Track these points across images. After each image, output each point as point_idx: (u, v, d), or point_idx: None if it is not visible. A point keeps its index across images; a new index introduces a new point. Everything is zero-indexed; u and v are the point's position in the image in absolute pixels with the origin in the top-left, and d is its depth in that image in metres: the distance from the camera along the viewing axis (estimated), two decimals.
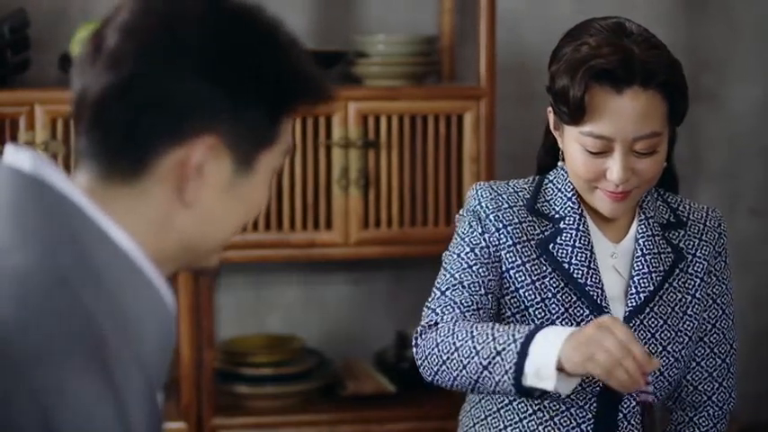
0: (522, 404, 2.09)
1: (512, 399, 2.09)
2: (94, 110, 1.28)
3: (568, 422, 2.07)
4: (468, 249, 2.06)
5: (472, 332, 1.92)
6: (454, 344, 1.94)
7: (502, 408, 2.11)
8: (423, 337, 2.01)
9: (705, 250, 2.13)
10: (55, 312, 1.18)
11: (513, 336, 1.87)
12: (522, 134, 3.45)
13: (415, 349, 2.02)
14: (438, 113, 3.20)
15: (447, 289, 2.04)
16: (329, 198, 3.18)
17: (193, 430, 3.19)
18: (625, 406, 2.09)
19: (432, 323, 2.02)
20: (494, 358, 1.88)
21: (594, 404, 2.07)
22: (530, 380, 1.84)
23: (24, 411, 1.14)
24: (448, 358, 1.95)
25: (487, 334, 1.90)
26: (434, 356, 1.97)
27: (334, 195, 3.17)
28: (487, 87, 3.19)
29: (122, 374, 1.20)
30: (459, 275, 2.04)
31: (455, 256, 2.07)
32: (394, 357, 3.44)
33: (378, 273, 3.57)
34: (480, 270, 2.04)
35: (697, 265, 2.13)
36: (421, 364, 2.01)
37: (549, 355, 1.82)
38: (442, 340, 1.96)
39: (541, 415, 2.08)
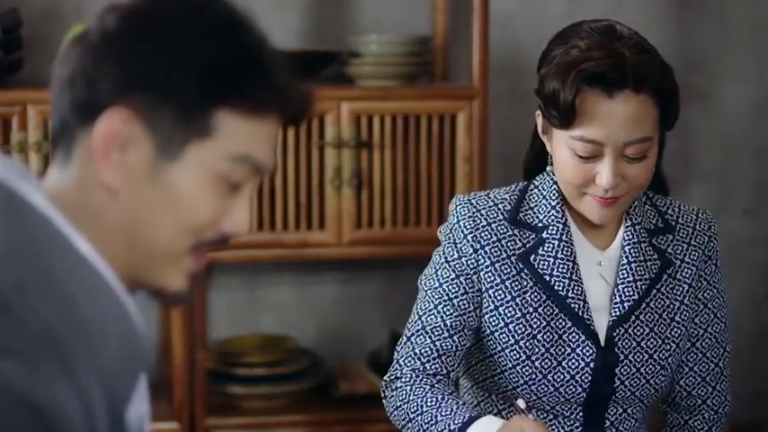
0: (511, 413, 2.09)
1: (500, 408, 2.11)
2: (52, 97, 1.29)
3: (556, 430, 2.07)
4: (437, 284, 2.08)
5: (422, 407, 2.01)
6: (408, 414, 2.03)
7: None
8: (389, 390, 2.10)
9: (694, 255, 2.12)
10: (11, 323, 1.15)
11: (449, 426, 1.95)
12: (515, 134, 3.44)
13: (384, 401, 2.11)
14: (431, 113, 3.20)
15: (412, 335, 2.08)
16: (322, 198, 3.18)
17: (186, 430, 3.18)
18: (612, 413, 2.09)
19: (394, 377, 2.09)
20: None
21: (581, 413, 2.08)
22: None
23: None
24: (405, 425, 2.04)
25: (431, 415, 1.99)
26: (396, 417, 2.07)
27: (326, 195, 3.17)
28: (480, 87, 3.19)
29: (85, 385, 1.17)
30: (425, 318, 2.07)
31: (425, 293, 2.09)
32: (387, 357, 3.43)
33: (371, 273, 3.57)
34: (446, 309, 2.06)
35: (685, 270, 2.11)
36: (390, 416, 2.09)
37: None
38: (400, 406, 2.06)
39: None
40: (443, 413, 1.97)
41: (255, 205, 3.14)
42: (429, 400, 2.01)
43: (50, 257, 1.21)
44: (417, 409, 2.01)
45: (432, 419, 1.98)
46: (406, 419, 2.03)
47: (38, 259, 1.20)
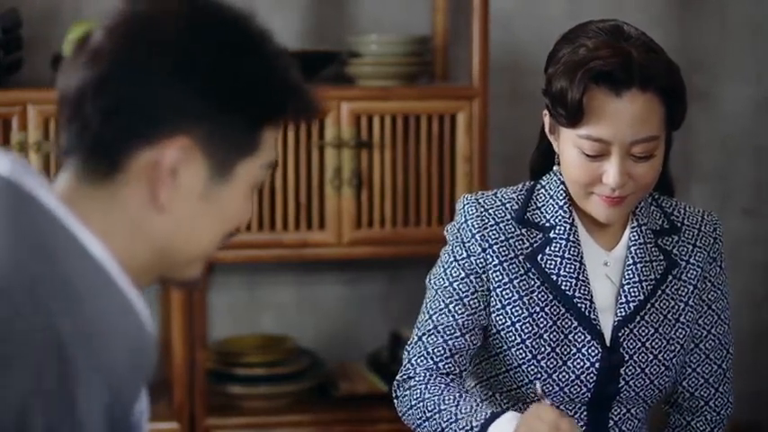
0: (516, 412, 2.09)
1: (505, 407, 2.10)
2: (72, 106, 1.28)
3: None
4: (446, 283, 2.07)
5: (439, 405, 2.01)
6: (424, 413, 2.03)
7: None
8: (401, 390, 2.09)
9: (699, 256, 2.11)
10: (17, 319, 1.17)
11: (471, 423, 1.94)
12: (515, 134, 3.45)
13: (395, 401, 2.10)
14: (431, 113, 3.20)
15: (423, 334, 2.08)
16: (322, 198, 3.18)
17: (186, 430, 3.18)
18: (615, 413, 2.09)
19: (406, 377, 2.09)
20: None
21: (585, 413, 2.08)
22: None
23: None
24: (421, 424, 2.04)
25: (450, 413, 1.99)
26: (410, 416, 2.07)
27: (326, 195, 3.17)
28: (480, 87, 3.19)
29: (81, 387, 1.19)
30: (436, 318, 2.07)
31: (434, 292, 2.09)
32: (387, 358, 3.44)
33: (371, 273, 3.57)
34: (457, 308, 2.06)
35: (690, 271, 2.11)
36: (403, 415, 2.09)
37: None
38: (414, 404, 2.05)
39: None
40: (463, 411, 1.96)
41: (256, 205, 3.14)
42: (447, 398, 2.00)
43: (60, 256, 1.22)
44: (435, 408, 2.00)
45: (452, 417, 1.97)
46: (423, 418, 2.02)
47: (49, 259, 1.22)
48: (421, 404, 2.03)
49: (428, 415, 2.01)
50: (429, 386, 2.04)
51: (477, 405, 1.96)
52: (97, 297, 1.23)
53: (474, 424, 1.93)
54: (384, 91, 3.19)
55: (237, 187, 1.31)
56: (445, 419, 1.98)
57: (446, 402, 2.00)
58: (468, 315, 2.05)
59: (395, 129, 3.19)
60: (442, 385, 2.03)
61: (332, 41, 3.39)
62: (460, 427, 1.95)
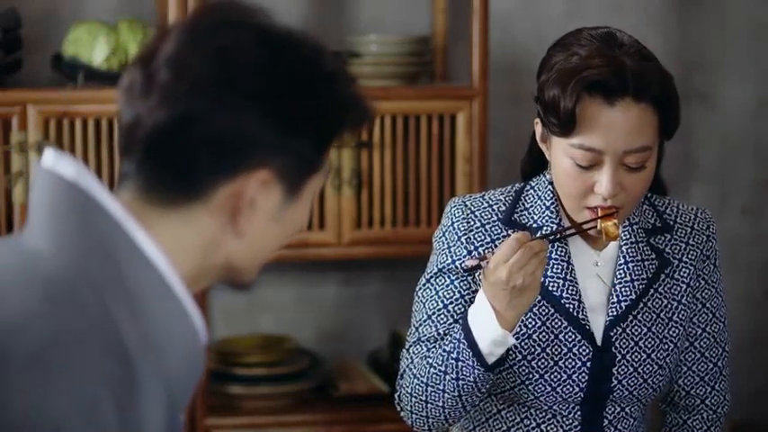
0: (510, 413, 2.10)
1: (500, 408, 2.11)
2: (148, 144, 1.29)
3: (555, 429, 2.08)
4: (432, 293, 2.08)
5: (429, 361, 2.01)
6: (422, 381, 2.02)
7: (490, 417, 2.12)
8: (398, 393, 2.09)
9: (692, 255, 2.11)
10: (82, 315, 1.20)
11: (457, 338, 1.96)
12: (515, 134, 3.46)
13: (402, 413, 2.10)
14: (431, 113, 3.20)
15: (410, 346, 2.09)
16: (322, 198, 3.18)
17: (186, 430, 3.18)
18: (610, 412, 2.09)
19: (398, 386, 2.10)
20: (456, 365, 1.97)
21: (579, 412, 2.08)
22: (494, 354, 1.95)
23: (26, 405, 1.15)
24: (427, 397, 2.02)
25: (440, 353, 1.99)
26: (416, 404, 2.04)
27: (326, 195, 3.17)
28: (480, 87, 3.19)
29: (144, 392, 1.22)
30: (421, 329, 2.08)
31: (421, 305, 2.09)
32: (387, 357, 3.44)
33: (370, 273, 3.58)
34: (439, 318, 2.06)
35: (683, 270, 2.11)
36: (414, 423, 2.08)
37: (489, 325, 1.93)
38: (413, 387, 2.03)
39: (528, 423, 2.09)
40: (446, 341, 1.99)
41: None
42: (430, 352, 2.02)
43: (121, 260, 1.25)
44: (427, 365, 2.01)
45: (443, 353, 1.98)
46: (423, 386, 2.01)
47: (110, 261, 1.25)
48: (415, 380, 2.03)
49: (425, 381, 2.01)
50: (416, 364, 2.04)
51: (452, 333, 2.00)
52: (155, 301, 1.26)
53: (458, 336, 1.96)
54: (384, 91, 3.20)
55: (304, 203, 1.36)
56: (439, 367, 1.99)
57: (431, 358, 2.00)
58: (450, 324, 2.05)
59: (395, 129, 3.19)
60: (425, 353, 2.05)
61: (332, 42, 3.37)
62: (455, 358, 1.96)
